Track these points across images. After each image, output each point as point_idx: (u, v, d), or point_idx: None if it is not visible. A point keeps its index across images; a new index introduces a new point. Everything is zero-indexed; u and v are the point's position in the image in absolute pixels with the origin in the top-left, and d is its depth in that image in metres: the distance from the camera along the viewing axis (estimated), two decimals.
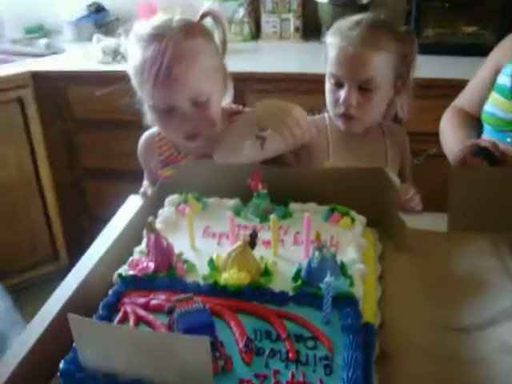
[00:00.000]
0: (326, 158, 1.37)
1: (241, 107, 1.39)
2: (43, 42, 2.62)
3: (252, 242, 0.89)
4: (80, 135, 2.41)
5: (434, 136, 1.62)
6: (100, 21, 2.69)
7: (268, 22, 2.56)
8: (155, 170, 1.40)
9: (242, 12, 2.56)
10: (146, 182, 1.49)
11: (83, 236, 2.64)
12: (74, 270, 1.07)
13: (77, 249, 2.66)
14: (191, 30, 1.20)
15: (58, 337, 0.82)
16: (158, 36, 1.16)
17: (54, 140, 2.42)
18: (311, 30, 2.58)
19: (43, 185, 2.48)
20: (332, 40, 1.32)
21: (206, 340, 0.67)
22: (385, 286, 0.98)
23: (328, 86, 1.35)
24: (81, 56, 2.44)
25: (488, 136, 1.42)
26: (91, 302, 0.89)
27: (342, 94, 1.30)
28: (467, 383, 0.79)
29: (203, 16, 1.25)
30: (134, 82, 1.22)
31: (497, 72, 1.43)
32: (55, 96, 2.33)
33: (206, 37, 1.23)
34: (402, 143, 1.48)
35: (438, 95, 1.97)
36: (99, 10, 2.71)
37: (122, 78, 2.24)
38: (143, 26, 1.20)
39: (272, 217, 0.97)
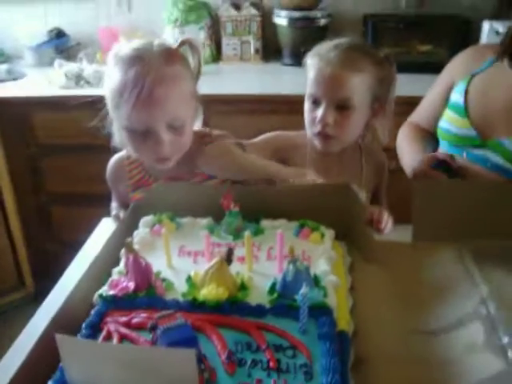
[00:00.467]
0: None
1: (208, 129, 1.42)
2: (4, 67, 2.60)
3: (228, 258, 0.93)
4: (44, 160, 2.41)
5: (392, 151, 1.68)
6: (61, 46, 2.70)
7: (228, 45, 2.62)
8: (124, 193, 1.41)
9: (202, 35, 2.61)
10: (114, 204, 1.50)
11: (49, 262, 2.62)
12: (51, 294, 1.08)
13: (43, 275, 2.65)
14: (171, 55, 1.23)
15: (42, 358, 0.84)
16: (139, 59, 1.19)
17: (18, 165, 2.41)
18: (271, 51, 2.64)
19: (7, 211, 2.47)
20: (311, 61, 1.36)
21: (192, 352, 0.70)
22: (356, 295, 1.03)
23: (307, 105, 1.39)
24: (43, 81, 2.43)
25: (445, 151, 1.49)
26: (73, 323, 0.91)
27: (320, 112, 1.34)
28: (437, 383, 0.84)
29: (181, 44, 1.28)
30: (110, 102, 1.24)
31: (450, 88, 1.49)
32: (18, 121, 2.32)
33: (184, 63, 1.26)
34: (380, 165, 1.53)
35: (394, 112, 2.04)
36: (60, 35, 2.72)
37: (87, 102, 2.26)
38: (123, 49, 1.22)
39: (246, 234, 1.01)
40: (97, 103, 2.28)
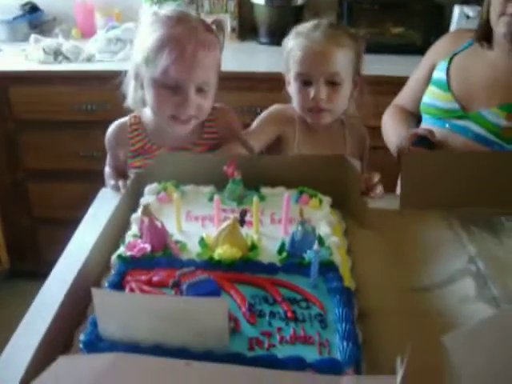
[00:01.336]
0: (292, 146, 1.48)
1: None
2: None
3: (242, 219, 0.99)
4: (21, 136, 2.39)
5: (368, 129, 1.74)
6: (35, 21, 2.67)
7: None
8: (124, 159, 1.45)
9: None
10: (108, 170, 1.51)
11: (25, 239, 2.62)
12: (61, 261, 1.10)
13: (18, 252, 2.65)
14: (209, 25, 1.32)
15: (66, 320, 0.89)
16: (184, 20, 1.27)
17: None
18: (247, 30, 2.68)
19: None
20: (295, 42, 1.42)
21: (224, 301, 0.77)
22: (353, 257, 1.10)
23: (295, 85, 1.45)
24: (18, 56, 2.40)
25: (427, 124, 1.58)
26: (90, 285, 0.94)
27: (312, 90, 1.40)
28: (434, 332, 0.90)
29: (213, 22, 1.35)
30: (142, 57, 1.29)
31: (432, 70, 1.59)
32: None
33: (217, 36, 1.34)
34: (362, 138, 1.60)
35: (368, 91, 2.12)
36: (34, 9, 2.68)
37: (66, 77, 2.26)
38: (162, 10, 1.30)
39: (254, 198, 1.07)
40: (76, 79, 2.29)
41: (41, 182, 2.50)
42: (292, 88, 1.47)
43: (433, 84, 1.56)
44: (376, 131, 1.74)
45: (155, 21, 1.28)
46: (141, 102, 1.37)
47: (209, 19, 1.37)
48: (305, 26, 1.44)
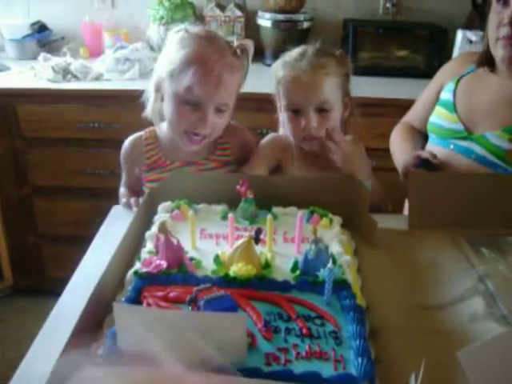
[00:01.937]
0: (291, 172, 1.50)
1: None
2: None
3: (257, 237, 1.01)
4: (29, 153, 2.42)
5: (372, 151, 1.77)
6: (43, 40, 2.71)
7: None
8: (139, 174, 1.48)
9: None
10: (122, 190, 1.54)
11: (29, 255, 2.63)
12: (75, 278, 1.12)
13: (22, 268, 2.65)
14: (235, 49, 1.37)
15: (82, 331, 0.89)
16: (213, 40, 1.32)
17: (2, 157, 2.41)
18: (254, 52, 2.71)
19: None
20: (282, 73, 1.43)
21: (243, 316, 0.79)
22: (363, 276, 1.12)
23: (287, 115, 1.46)
24: (28, 74, 2.44)
25: (433, 144, 1.61)
26: (105, 301, 0.97)
27: (303, 119, 1.42)
28: (445, 350, 0.93)
29: (238, 45, 1.40)
30: (168, 69, 1.32)
31: (440, 91, 1.63)
32: (4, 113, 2.33)
33: (241, 60, 1.39)
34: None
35: (373, 113, 2.14)
36: (42, 28, 2.73)
37: (74, 96, 2.29)
38: (194, 28, 1.35)
39: (268, 217, 1.10)
40: (84, 97, 2.32)
41: (47, 199, 2.52)
42: (283, 116, 1.49)
43: (440, 105, 1.60)
44: (379, 152, 1.77)
45: (185, 38, 1.32)
46: (159, 114, 1.41)
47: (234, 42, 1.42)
48: (291, 55, 1.45)
